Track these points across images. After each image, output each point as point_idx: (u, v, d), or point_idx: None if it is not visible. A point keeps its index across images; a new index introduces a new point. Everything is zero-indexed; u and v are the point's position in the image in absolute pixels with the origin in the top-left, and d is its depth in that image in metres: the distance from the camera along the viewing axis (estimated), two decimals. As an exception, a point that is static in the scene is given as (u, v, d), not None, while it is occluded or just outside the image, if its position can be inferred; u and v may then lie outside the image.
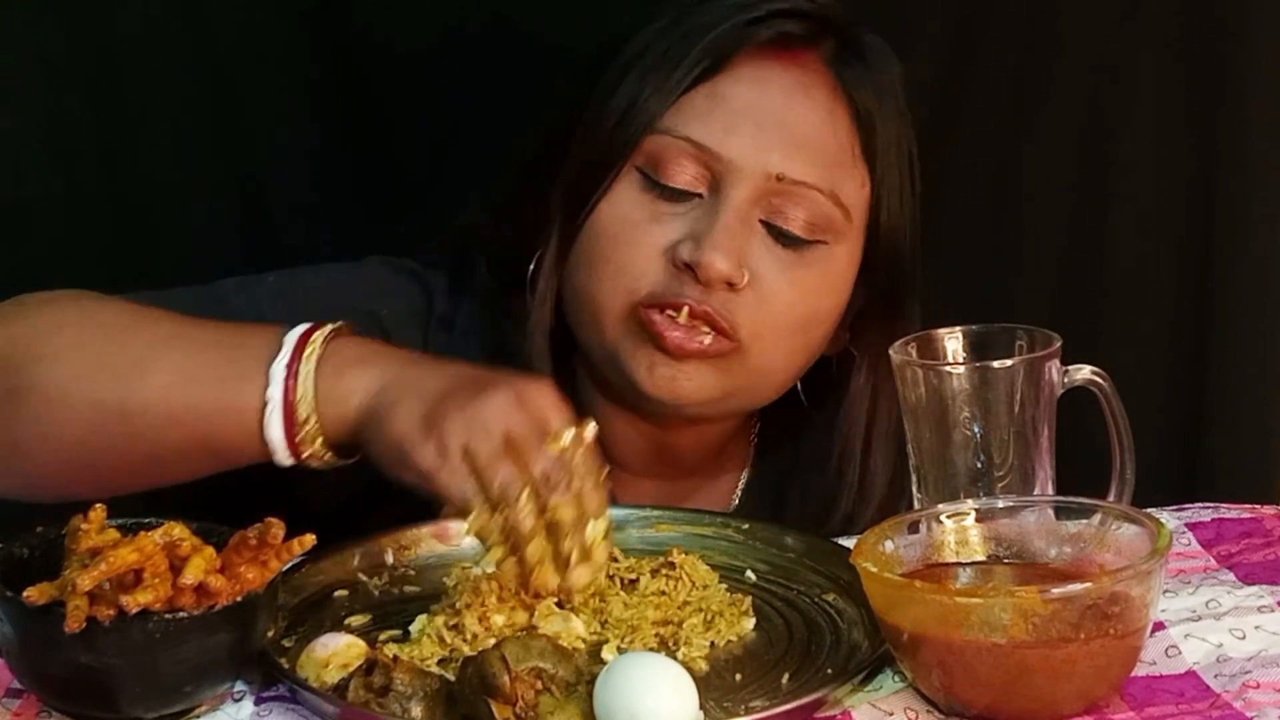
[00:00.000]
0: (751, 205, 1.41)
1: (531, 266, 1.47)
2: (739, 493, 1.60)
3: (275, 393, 1.24)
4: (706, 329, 1.40)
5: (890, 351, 1.32)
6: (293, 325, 1.30)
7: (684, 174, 1.42)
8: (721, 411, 1.49)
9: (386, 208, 1.78)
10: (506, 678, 1.11)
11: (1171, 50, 1.86)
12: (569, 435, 1.19)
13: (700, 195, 1.42)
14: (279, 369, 1.24)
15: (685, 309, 1.39)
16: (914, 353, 1.32)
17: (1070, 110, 1.87)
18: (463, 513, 1.18)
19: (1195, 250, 1.90)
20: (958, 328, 1.34)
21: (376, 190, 1.80)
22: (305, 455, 1.26)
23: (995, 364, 1.29)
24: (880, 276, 1.49)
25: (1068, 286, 1.91)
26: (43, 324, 1.32)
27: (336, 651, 1.19)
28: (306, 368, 1.24)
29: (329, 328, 1.27)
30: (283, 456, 1.26)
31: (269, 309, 1.43)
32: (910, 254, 1.50)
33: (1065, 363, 1.30)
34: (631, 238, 1.42)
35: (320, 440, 1.25)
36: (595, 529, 1.19)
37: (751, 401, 1.50)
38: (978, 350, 1.32)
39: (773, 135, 1.41)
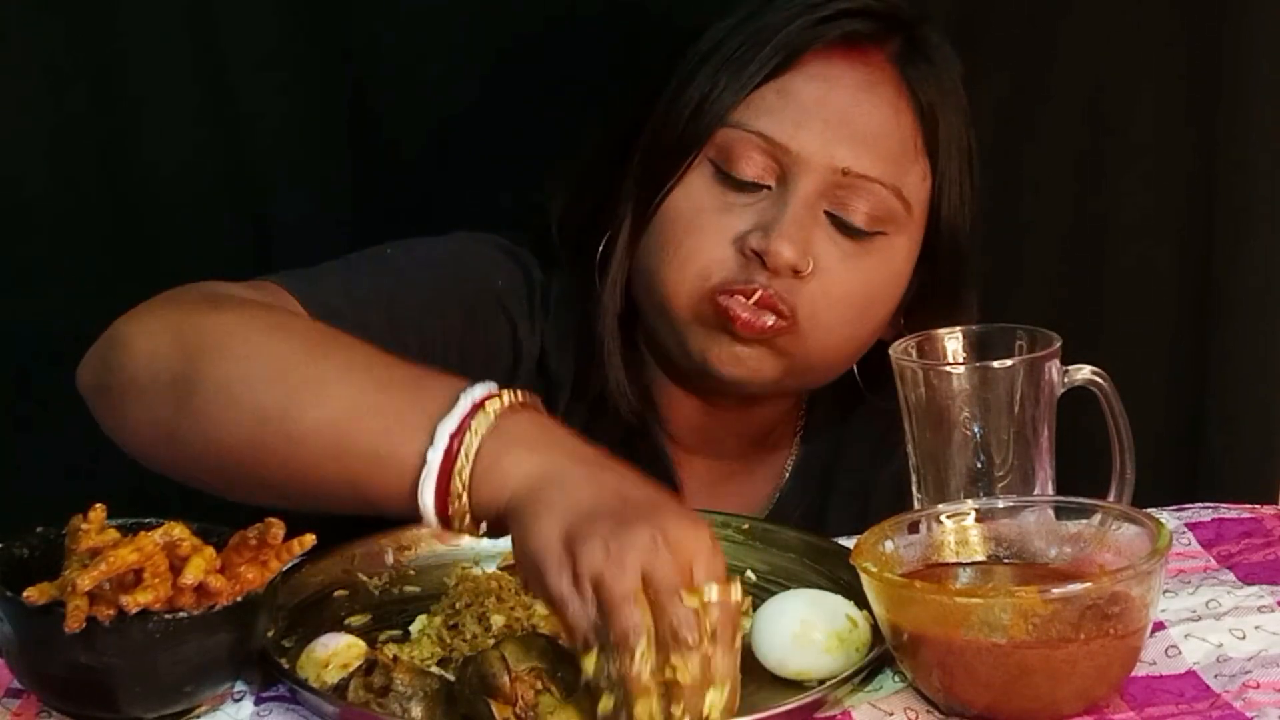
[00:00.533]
0: (818, 197, 1.45)
1: (601, 248, 1.52)
2: (788, 473, 1.63)
3: (435, 456, 1.16)
4: (770, 313, 1.44)
5: (890, 351, 1.32)
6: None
7: (753, 166, 1.46)
8: (780, 390, 1.53)
9: (387, 208, 1.78)
10: (506, 678, 1.11)
11: (1171, 50, 1.86)
12: (712, 592, 1.08)
13: (769, 187, 1.46)
14: (444, 432, 1.16)
15: (757, 293, 1.43)
16: (914, 353, 1.32)
17: (1070, 110, 1.87)
18: (585, 649, 1.09)
19: (1195, 250, 1.90)
20: (958, 328, 1.34)
21: (378, 190, 1.80)
22: (455, 526, 1.18)
23: (995, 364, 1.29)
24: (939, 267, 1.53)
25: (1068, 286, 1.91)
26: (229, 321, 1.28)
27: (336, 651, 1.19)
28: (473, 440, 1.16)
29: (508, 396, 1.19)
30: (431, 520, 1.18)
31: (408, 286, 1.47)
32: (969, 246, 1.54)
33: (1065, 363, 1.30)
34: (703, 225, 1.46)
35: (469, 516, 1.17)
36: (713, 698, 1.08)
37: (809, 381, 1.54)
38: (978, 350, 1.32)
39: (839, 131, 1.45)
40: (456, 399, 1.17)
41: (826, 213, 1.46)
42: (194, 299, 1.33)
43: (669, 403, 1.56)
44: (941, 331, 1.34)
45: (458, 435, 1.16)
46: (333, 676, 1.17)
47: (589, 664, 1.08)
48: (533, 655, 1.12)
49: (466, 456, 1.15)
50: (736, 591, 1.10)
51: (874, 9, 1.48)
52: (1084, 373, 1.31)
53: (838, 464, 1.63)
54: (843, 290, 1.46)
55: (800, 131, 1.45)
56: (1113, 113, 1.88)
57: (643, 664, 1.06)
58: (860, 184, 1.45)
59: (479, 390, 1.18)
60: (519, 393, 1.20)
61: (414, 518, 1.18)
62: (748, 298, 1.43)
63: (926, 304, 1.53)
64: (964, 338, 1.33)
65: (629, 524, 1.09)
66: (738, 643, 1.10)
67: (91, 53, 1.72)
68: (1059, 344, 1.30)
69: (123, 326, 1.31)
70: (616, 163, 1.52)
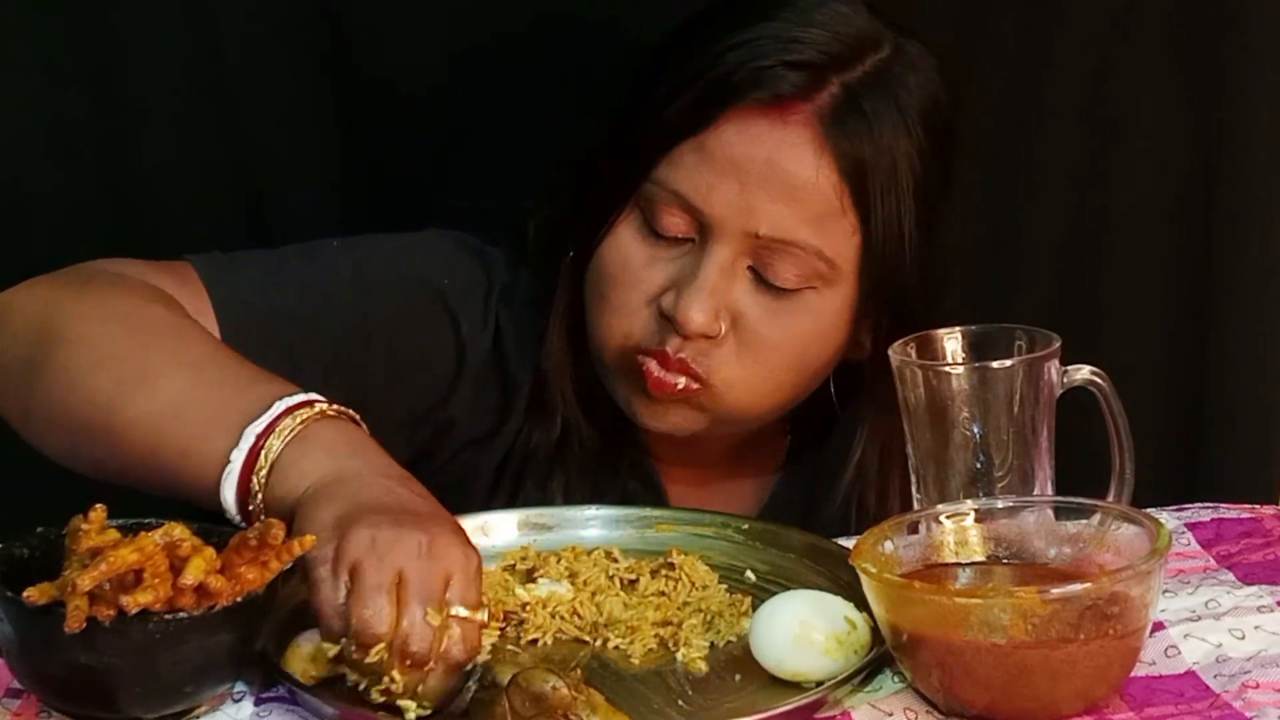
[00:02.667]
0: (735, 257, 1.44)
1: (557, 265, 1.53)
2: (777, 476, 1.63)
3: (238, 456, 1.21)
4: (682, 375, 1.45)
5: (889, 352, 1.32)
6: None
7: (675, 220, 1.45)
8: (717, 434, 1.53)
9: (387, 208, 1.78)
10: (565, 688, 1.09)
11: (1171, 50, 1.86)
12: (459, 610, 1.12)
13: (692, 240, 1.45)
14: (250, 434, 1.21)
15: (660, 358, 1.44)
16: (914, 353, 1.32)
17: (1069, 110, 1.87)
18: (328, 633, 1.13)
19: (1195, 250, 1.90)
20: (957, 328, 1.34)
21: (376, 190, 1.80)
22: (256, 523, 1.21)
23: (995, 364, 1.29)
24: (884, 304, 1.49)
25: (1068, 286, 1.91)
26: (84, 306, 1.33)
27: (322, 645, 1.18)
28: (276, 441, 1.21)
29: (321, 407, 1.23)
30: (235, 518, 1.23)
31: (335, 275, 1.49)
32: (919, 279, 1.49)
33: (1065, 363, 1.30)
34: (627, 281, 1.47)
35: (263, 515, 1.20)
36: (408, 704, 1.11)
37: (746, 426, 1.54)
38: (977, 350, 1.32)
39: (756, 195, 1.42)
40: (271, 404, 1.22)
41: (749, 268, 1.44)
42: (70, 280, 1.38)
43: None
44: (941, 331, 1.33)
45: (264, 437, 1.21)
46: (320, 670, 1.16)
47: (330, 649, 1.12)
48: (536, 679, 1.11)
49: (266, 458, 1.20)
50: (483, 615, 1.13)
51: (811, 60, 1.42)
52: (1083, 373, 1.31)
53: (824, 474, 1.61)
54: (766, 348, 1.45)
55: (714, 194, 1.42)
56: (1111, 113, 1.88)
57: (374, 659, 1.10)
58: (779, 246, 1.43)
59: (296, 398, 1.23)
60: (335, 405, 1.24)
61: (222, 512, 1.23)
62: (660, 362, 1.44)
63: (889, 327, 1.46)
64: (963, 338, 1.33)
65: (400, 525, 1.13)
66: (469, 664, 1.12)
67: (91, 53, 1.72)
68: (1058, 344, 1.30)
69: (3, 300, 1.37)
70: (579, 177, 1.53)
